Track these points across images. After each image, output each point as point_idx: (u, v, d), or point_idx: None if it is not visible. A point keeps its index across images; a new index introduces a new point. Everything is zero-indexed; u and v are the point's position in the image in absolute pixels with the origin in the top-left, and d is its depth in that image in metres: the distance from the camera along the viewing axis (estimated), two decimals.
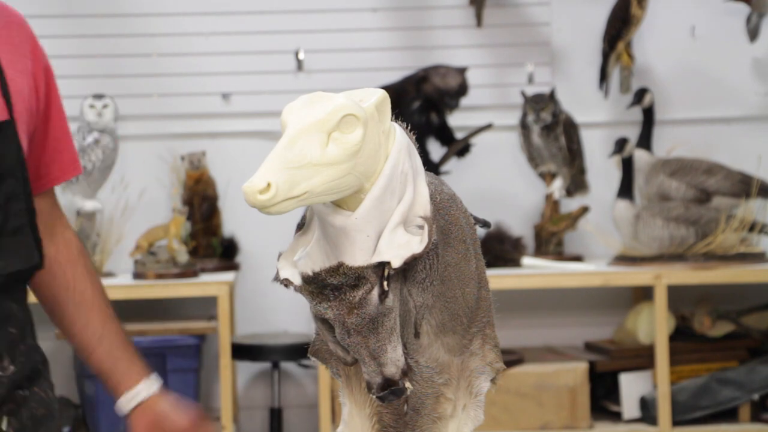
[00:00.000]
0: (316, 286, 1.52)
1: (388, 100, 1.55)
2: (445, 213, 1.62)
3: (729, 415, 3.96)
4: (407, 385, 1.54)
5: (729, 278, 3.89)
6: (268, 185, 1.45)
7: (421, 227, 1.54)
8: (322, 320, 1.59)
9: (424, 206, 1.56)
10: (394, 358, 1.53)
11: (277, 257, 1.60)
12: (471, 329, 1.68)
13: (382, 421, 1.66)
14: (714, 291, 4.19)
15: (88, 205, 3.95)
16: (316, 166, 1.47)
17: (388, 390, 1.53)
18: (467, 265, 1.65)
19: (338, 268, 1.50)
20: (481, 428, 1.72)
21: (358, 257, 1.52)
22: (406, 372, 1.55)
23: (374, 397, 1.55)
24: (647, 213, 3.95)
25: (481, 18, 4.29)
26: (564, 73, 4.40)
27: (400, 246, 1.52)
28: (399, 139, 1.56)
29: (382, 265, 1.50)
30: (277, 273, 1.58)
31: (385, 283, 1.50)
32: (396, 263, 1.51)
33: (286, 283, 1.56)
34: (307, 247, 1.57)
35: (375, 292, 1.50)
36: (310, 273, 1.53)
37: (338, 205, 1.54)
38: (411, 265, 1.53)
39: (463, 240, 1.65)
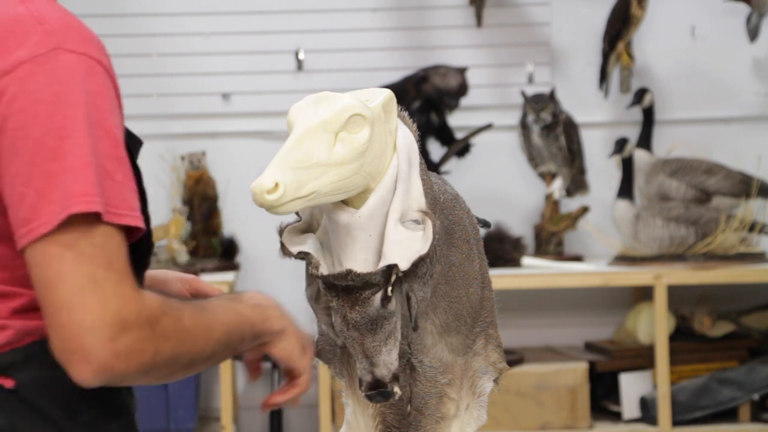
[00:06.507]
0: (324, 285, 1.52)
1: (395, 100, 1.54)
2: (449, 213, 1.62)
3: (729, 415, 3.95)
4: (396, 390, 1.54)
5: (729, 278, 3.88)
6: (276, 185, 1.45)
7: (417, 221, 1.53)
8: (316, 301, 1.59)
9: (418, 199, 1.55)
10: (387, 361, 1.53)
11: (278, 232, 1.58)
12: (474, 329, 1.68)
13: (386, 421, 1.66)
14: (714, 291, 4.19)
15: None
16: (323, 166, 1.47)
17: (377, 390, 1.53)
18: (471, 265, 1.65)
19: (347, 275, 1.50)
20: (480, 428, 1.72)
21: (359, 256, 1.52)
22: (398, 377, 1.54)
23: (362, 394, 1.54)
24: (647, 213, 3.95)
25: (481, 18, 4.29)
26: (564, 73, 4.40)
27: (402, 245, 1.51)
28: (401, 141, 1.56)
29: (390, 269, 1.50)
30: (284, 247, 1.56)
31: (390, 288, 1.50)
32: (403, 266, 1.50)
33: (302, 256, 1.55)
34: (313, 238, 1.57)
35: (379, 295, 1.50)
36: (318, 274, 1.53)
37: (343, 201, 1.54)
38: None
39: (467, 240, 1.65)
